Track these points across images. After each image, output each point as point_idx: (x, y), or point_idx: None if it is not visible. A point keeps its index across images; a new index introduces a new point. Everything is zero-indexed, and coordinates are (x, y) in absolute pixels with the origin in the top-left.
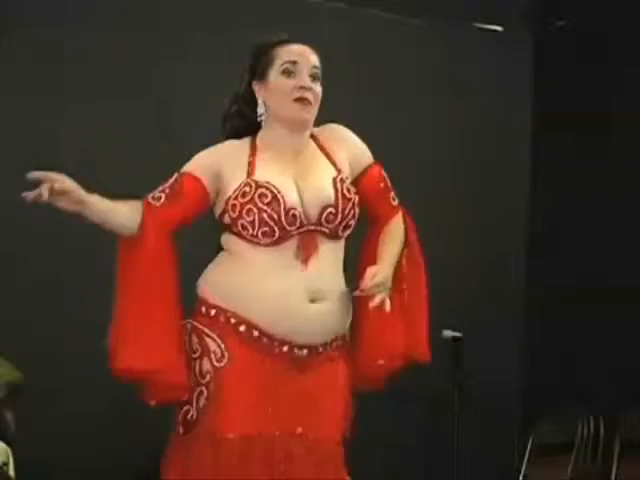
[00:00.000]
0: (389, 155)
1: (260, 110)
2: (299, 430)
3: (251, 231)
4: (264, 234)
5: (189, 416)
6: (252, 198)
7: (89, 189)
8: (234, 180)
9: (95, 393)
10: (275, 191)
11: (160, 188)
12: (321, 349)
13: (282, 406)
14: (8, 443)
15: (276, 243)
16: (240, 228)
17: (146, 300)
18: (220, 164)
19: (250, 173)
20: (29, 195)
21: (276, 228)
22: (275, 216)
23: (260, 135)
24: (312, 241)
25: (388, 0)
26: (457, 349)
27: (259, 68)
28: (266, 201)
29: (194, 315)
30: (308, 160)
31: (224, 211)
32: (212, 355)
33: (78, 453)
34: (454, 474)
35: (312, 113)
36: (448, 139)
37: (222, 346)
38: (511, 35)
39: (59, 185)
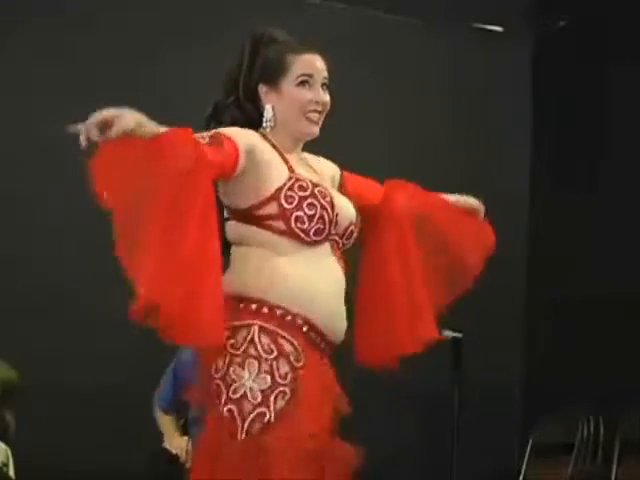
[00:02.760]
0: (389, 155)
1: (268, 115)
2: (334, 428)
3: (306, 225)
4: (316, 231)
5: (265, 419)
6: (313, 193)
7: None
8: (276, 170)
9: (95, 393)
10: (329, 192)
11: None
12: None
13: (329, 405)
14: (8, 443)
15: (317, 243)
16: (293, 220)
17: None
18: (255, 147)
19: (292, 169)
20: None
21: (327, 228)
22: (331, 216)
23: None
24: (337, 248)
25: (388, 0)
26: (457, 349)
27: (268, 71)
28: (327, 200)
29: (251, 315)
30: (312, 174)
31: (266, 200)
32: (290, 356)
33: (78, 453)
34: (453, 474)
35: (319, 126)
36: (448, 139)
37: (297, 346)
38: (511, 35)
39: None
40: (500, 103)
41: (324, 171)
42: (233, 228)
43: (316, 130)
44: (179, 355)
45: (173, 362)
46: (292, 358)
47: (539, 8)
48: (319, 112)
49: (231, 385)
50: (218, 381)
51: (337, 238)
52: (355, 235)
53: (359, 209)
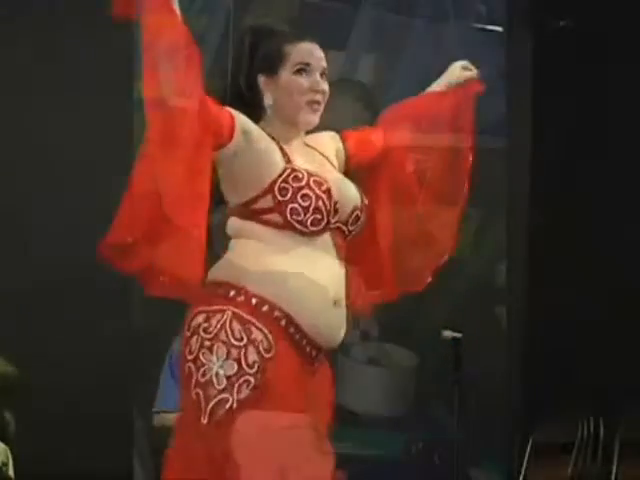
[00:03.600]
0: None
1: (267, 104)
2: (317, 426)
3: (302, 216)
4: (313, 222)
5: (227, 405)
6: (308, 183)
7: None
8: (271, 161)
9: (95, 393)
10: (326, 181)
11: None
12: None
13: (305, 402)
14: (8, 443)
15: (315, 234)
16: (289, 212)
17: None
18: (252, 132)
19: (288, 160)
20: None
21: (325, 218)
22: (328, 206)
23: (261, 126)
24: (341, 238)
25: (388, 0)
26: (457, 349)
27: (267, 61)
28: (323, 189)
29: (227, 301)
30: (316, 158)
31: (261, 194)
32: (260, 345)
33: (78, 453)
34: (454, 474)
35: (319, 114)
36: None
37: (269, 337)
38: (511, 35)
39: None
40: (500, 103)
41: (326, 148)
42: (232, 223)
43: (315, 119)
44: (171, 351)
45: (166, 362)
46: (262, 348)
47: (539, 8)
48: (319, 102)
49: (200, 368)
50: (190, 364)
51: (341, 225)
52: (362, 219)
53: (363, 166)
